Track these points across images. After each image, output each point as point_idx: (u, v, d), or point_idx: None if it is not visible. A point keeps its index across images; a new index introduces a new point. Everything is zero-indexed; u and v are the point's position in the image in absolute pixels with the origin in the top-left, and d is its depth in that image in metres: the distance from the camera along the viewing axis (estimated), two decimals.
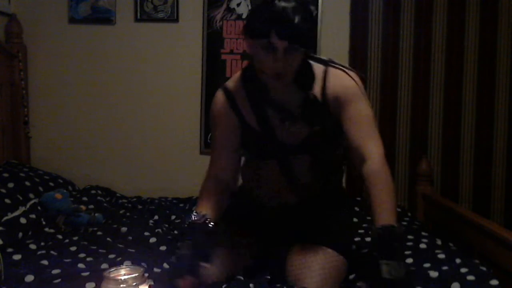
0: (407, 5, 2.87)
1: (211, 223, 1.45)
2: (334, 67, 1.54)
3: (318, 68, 1.53)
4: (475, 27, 2.88)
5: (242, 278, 1.51)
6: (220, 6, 2.85)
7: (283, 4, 1.35)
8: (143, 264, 1.61)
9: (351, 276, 1.57)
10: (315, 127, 1.53)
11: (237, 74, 1.62)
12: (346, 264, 1.57)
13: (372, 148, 1.47)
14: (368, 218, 2.31)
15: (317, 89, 1.51)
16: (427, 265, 1.62)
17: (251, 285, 1.43)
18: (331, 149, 1.61)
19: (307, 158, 1.57)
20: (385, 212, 1.38)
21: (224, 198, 1.58)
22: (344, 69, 1.54)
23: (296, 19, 1.34)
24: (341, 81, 1.51)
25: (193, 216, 1.45)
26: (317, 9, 2.79)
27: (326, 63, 1.55)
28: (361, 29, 2.88)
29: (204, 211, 1.48)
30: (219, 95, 1.60)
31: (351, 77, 1.52)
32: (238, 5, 2.84)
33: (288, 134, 1.54)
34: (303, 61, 1.47)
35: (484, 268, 1.57)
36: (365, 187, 1.46)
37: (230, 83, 1.61)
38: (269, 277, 1.56)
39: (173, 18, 2.87)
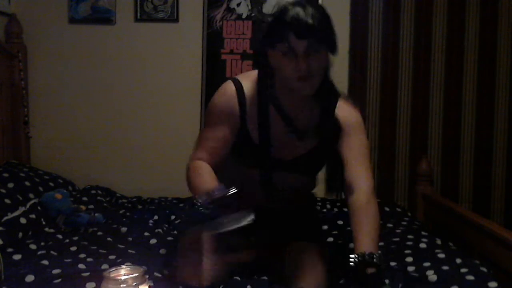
0: (407, 5, 2.87)
1: (233, 190, 1.40)
2: (343, 97, 1.61)
3: (335, 90, 1.59)
4: (475, 27, 2.88)
5: (239, 278, 1.51)
6: (220, 6, 2.85)
7: (296, 8, 1.38)
8: (143, 267, 1.60)
9: (341, 281, 1.56)
10: (321, 145, 1.57)
11: (252, 74, 1.59)
12: (328, 252, 1.64)
13: (362, 180, 1.51)
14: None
15: (330, 112, 1.56)
16: (426, 264, 1.62)
17: (248, 286, 1.43)
18: (317, 169, 1.68)
19: (292, 175, 1.61)
20: (364, 240, 1.38)
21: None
22: (351, 101, 1.61)
23: (312, 19, 1.36)
24: (348, 110, 1.58)
25: (215, 192, 1.39)
26: None
27: (337, 91, 1.61)
28: (361, 29, 2.88)
29: (217, 183, 1.44)
30: (229, 87, 1.55)
31: (355, 110, 1.60)
32: (238, 5, 2.84)
33: (285, 149, 1.56)
34: (326, 70, 1.48)
35: (484, 269, 1.57)
36: (349, 216, 1.49)
37: (245, 81, 1.56)
38: (266, 277, 1.56)
39: (173, 18, 2.87)
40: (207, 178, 1.50)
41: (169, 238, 2.00)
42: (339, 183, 1.61)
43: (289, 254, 1.56)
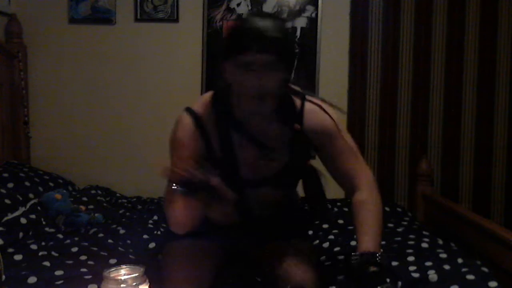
0: (407, 5, 2.87)
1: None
2: (310, 101, 1.50)
3: (295, 101, 1.50)
4: (475, 27, 2.88)
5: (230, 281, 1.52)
6: (220, 6, 2.85)
7: (257, 20, 1.32)
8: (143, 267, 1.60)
9: (340, 277, 1.56)
10: (294, 161, 1.50)
11: (204, 99, 1.52)
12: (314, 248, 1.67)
13: (360, 178, 1.50)
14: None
15: (295, 123, 1.48)
16: (428, 263, 1.62)
17: None
18: (294, 184, 1.64)
19: (268, 192, 1.55)
20: (367, 239, 1.38)
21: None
22: (320, 103, 1.51)
23: (273, 33, 1.30)
24: (318, 117, 1.49)
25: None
26: (317, 9, 2.80)
27: (303, 96, 1.51)
28: (361, 29, 2.88)
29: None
30: (186, 120, 1.49)
31: (327, 113, 1.49)
32: (238, 5, 2.84)
33: (253, 168, 1.49)
34: (284, 87, 1.41)
35: (485, 269, 1.57)
36: (352, 216, 1.48)
37: (197, 107, 1.50)
38: (259, 279, 1.56)
39: (173, 18, 2.87)
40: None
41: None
42: (321, 206, 1.61)
43: (276, 254, 1.53)
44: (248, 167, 1.49)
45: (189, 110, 1.51)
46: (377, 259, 1.33)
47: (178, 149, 1.49)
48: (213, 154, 1.48)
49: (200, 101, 1.53)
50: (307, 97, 1.52)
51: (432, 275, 1.54)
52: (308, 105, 1.50)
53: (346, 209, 2.46)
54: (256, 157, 1.48)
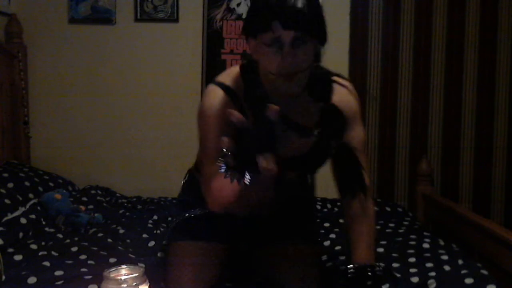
0: (407, 5, 2.88)
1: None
2: (338, 82, 1.42)
3: (324, 79, 1.41)
4: (475, 27, 2.88)
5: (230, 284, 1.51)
6: (220, 6, 2.85)
7: None
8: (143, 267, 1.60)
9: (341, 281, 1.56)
10: (328, 140, 1.37)
11: (232, 72, 1.40)
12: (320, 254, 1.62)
13: (362, 182, 1.42)
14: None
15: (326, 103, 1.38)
16: (429, 265, 1.62)
17: None
18: (320, 165, 1.49)
19: (297, 174, 1.48)
20: (363, 251, 1.35)
21: None
22: (347, 84, 1.44)
23: (300, 5, 1.16)
24: (346, 98, 1.41)
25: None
26: None
27: (332, 75, 1.43)
28: (361, 29, 2.88)
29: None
30: (217, 92, 1.35)
31: (353, 95, 1.43)
32: (238, 5, 2.84)
33: (286, 147, 1.37)
34: (315, 62, 1.30)
35: (485, 272, 1.57)
36: (345, 220, 1.44)
37: (226, 80, 1.37)
38: (260, 280, 1.56)
39: (173, 18, 2.87)
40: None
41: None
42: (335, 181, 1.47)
43: (280, 256, 1.52)
44: (279, 144, 1.38)
45: (217, 82, 1.37)
46: (375, 271, 1.32)
47: (210, 120, 1.32)
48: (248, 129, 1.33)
49: (228, 74, 1.39)
50: (336, 77, 1.43)
51: (431, 282, 1.54)
52: (337, 85, 1.41)
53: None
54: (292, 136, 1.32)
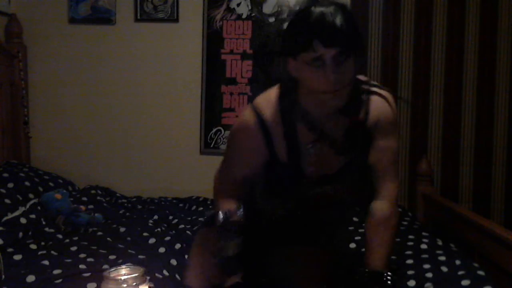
0: (407, 5, 2.87)
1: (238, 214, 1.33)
2: (376, 93, 1.43)
3: (362, 92, 1.42)
4: (475, 27, 2.88)
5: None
6: (220, 6, 2.85)
7: (320, 9, 1.20)
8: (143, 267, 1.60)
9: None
10: (357, 157, 1.41)
11: (270, 94, 1.41)
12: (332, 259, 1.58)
13: (389, 189, 1.43)
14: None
15: (361, 116, 1.40)
16: (426, 266, 1.62)
17: None
18: (358, 182, 1.50)
19: (332, 192, 1.47)
20: (377, 257, 1.36)
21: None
22: (386, 95, 1.44)
23: (338, 22, 1.19)
24: (384, 109, 1.42)
25: (220, 216, 1.32)
26: None
27: (368, 85, 1.44)
28: (361, 29, 2.88)
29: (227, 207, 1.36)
30: (249, 115, 1.39)
31: (391, 106, 1.43)
32: (238, 5, 2.84)
33: (320, 166, 1.40)
34: (355, 78, 1.33)
35: (481, 273, 1.56)
36: (366, 223, 1.45)
37: (263, 103, 1.39)
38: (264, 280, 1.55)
39: (173, 18, 2.87)
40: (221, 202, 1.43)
41: (167, 238, 2.00)
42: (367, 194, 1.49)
43: (293, 257, 1.51)
44: (315, 165, 1.40)
45: (252, 105, 1.41)
46: (385, 279, 1.32)
47: (239, 145, 1.42)
48: (276, 156, 1.39)
49: (266, 96, 1.42)
50: (374, 88, 1.43)
51: (429, 285, 1.53)
52: (375, 97, 1.42)
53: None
54: (328, 153, 1.39)
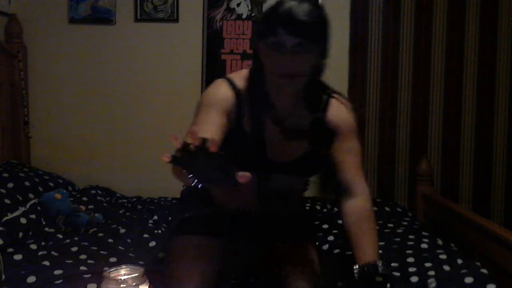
0: (407, 5, 2.87)
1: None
2: (337, 99, 1.57)
3: (323, 94, 1.56)
4: (475, 27, 2.88)
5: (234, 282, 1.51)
6: (220, 6, 2.85)
7: (291, 3, 1.34)
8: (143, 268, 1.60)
9: (340, 284, 1.56)
10: (315, 148, 1.52)
11: (242, 73, 1.54)
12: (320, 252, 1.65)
13: (361, 185, 1.51)
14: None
15: (320, 114, 1.53)
16: (428, 264, 1.62)
17: None
18: (313, 173, 1.64)
19: (286, 178, 1.56)
20: (369, 249, 1.40)
21: None
22: (346, 103, 1.58)
23: (304, 16, 1.32)
24: (343, 113, 1.55)
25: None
26: None
27: (331, 91, 1.58)
28: (361, 29, 2.88)
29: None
30: (224, 86, 1.48)
31: (350, 113, 1.57)
32: (238, 5, 2.84)
33: (278, 151, 1.51)
34: (315, 73, 1.44)
35: (484, 271, 1.57)
36: (346, 222, 1.49)
37: (236, 79, 1.51)
38: (264, 280, 1.56)
39: (173, 18, 2.87)
40: None
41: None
42: (333, 185, 1.57)
43: (283, 255, 1.54)
44: (274, 148, 1.50)
45: (225, 77, 1.52)
46: (379, 270, 1.35)
47: (209, 108, 1.44)
48: (243, 129, 1.48)
49: (237, 73, 1.55)
50: (335, 94, 1.58)
51: (431, 280, 1.54)
52: (334, 101, 1.56)
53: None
54: (284, 139, 1.49)
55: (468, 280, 1.50)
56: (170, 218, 2.30)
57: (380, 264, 1.36)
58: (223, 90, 1.47)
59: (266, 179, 1.53)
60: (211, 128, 1.36)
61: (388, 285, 1.37)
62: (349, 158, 1.52)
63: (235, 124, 1.47)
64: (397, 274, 1.61)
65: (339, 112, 1.55)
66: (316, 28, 1.36)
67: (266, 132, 1.50)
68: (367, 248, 1.40)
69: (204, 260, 1.47)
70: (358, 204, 1.48)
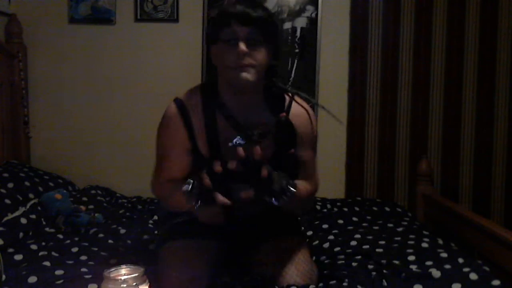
0: (407, 5, 2.87)
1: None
2: (298, 102, 1.57)
3: (285, 97, 1.57)
4: (475, 27, 2.88)
5: (228, 280, 1.51)
6: (220, 6, 2.85)
7: (241, 1, 1.43)
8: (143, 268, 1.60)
9: (332, 282, 1.56)
10: (279, 152, 1.52)
11: (194, 88, 1.59)
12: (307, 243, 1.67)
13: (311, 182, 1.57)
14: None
15: (282, 114, 1.53)
16: (429, 263, 1.62)
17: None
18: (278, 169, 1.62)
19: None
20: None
21: None
22: (307, 108, 1.58)
23: (253, 9, 1.40)
24: (302, 117, 1.56)
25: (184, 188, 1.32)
26: (317, 9, 2.80)
27: (293, 95, 1.58)
28: (361, 29, 2.88)
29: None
30: (172, 109, 1.55)
31: (310, 117, 1.57)
32: None
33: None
34: (270, 71, 1.48)
35: (486, 268, 1.57)
36: None
37: (185, 96, 1.56)
38: (259, 278, 1.56)
39: (173, 18, 2.87)
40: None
41: None
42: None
43: (274, 250, 1.54)
44: (232, 155, 1.46)
45: (175, 99, 1.57)
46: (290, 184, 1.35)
47: (162, 142, 1.56)
48: (196, 144, 1.51)
49: (189, 90, 1.60)
50: (297, 98, 1.59)
51: (435, 272, 1.54)
52: (295, 105, 1.57)
53: (345, 209, 2.46)
54: (247, 143, 1.46)
55: (473, 276, 1.50)
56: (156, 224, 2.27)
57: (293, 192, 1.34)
58: (171, 117, 1.53)
59: (237, 189, 1.47)
60: (180, 168, 1.51)
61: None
62: (305, 165, 1.55)
63: (192, 146, 1.52)
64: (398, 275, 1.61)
65: (298, 116, 1.55)
66: (265, 21, 1.42)
67: (222, 138, 1.49)
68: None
69: (195, 263, 1.48)
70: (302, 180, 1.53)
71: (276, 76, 1.55)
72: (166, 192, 1.56)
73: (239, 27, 1.40)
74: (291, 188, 1.31)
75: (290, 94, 1.58)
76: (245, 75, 1.41)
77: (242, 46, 1.39)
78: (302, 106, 1.58)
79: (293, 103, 1.57)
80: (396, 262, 1.66)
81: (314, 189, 1.60)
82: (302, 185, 1.48)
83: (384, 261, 1.66)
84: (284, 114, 1.53)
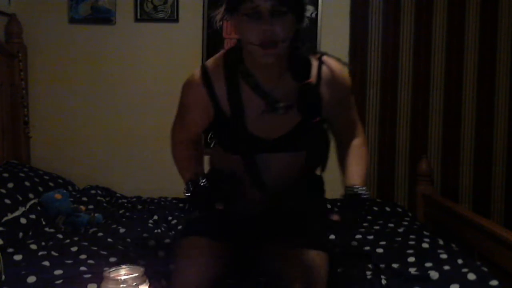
0: (407, 5, 2.87)
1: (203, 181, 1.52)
2: (325, 61, 1.51)
3: (313, 58, 1.49)
4: (475, 27, 2.88)
5: (232, 281, 1.51)
6: (220, 6, 2.84)
7: None
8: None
9: (340, 269, 1.56)
10: (306, 118, 1.46)
11: (219, 54, 1.54)
12: (327, 258, 1.52)
13: (358, 132, 1.60)
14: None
15: (313, 78, 1.46)
16: (428, 264, 1.62)
17: None
18: (311, 145, 1.55)
19: (282, 158, 1.51)
20: (355, 174, 1.51)
21: (202, 156, 1.68)
22: (337, 64, 1.53)
23: None
24: (337, 69, 1.51)
25: (190, 186, 1.52)
26: (317, 9, 2.79)
27: (321, 54, 1.53)
28: (361, 29, 2.88)
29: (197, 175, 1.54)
30: (196, 73, 1.53)
31: (343, 72, 1.55)
32: None
33: (265, 128, 1.46)
34: (295, 39, 1.40)
35: (485, 269, 1.57)
36: (340, 152, 1.60)
37: (210, 62, 1.53)
38: (262, 279, 1.56)
39: (173, 18, 2.87)
40: (187, 165, 1.62)
41: (168, 240, 1.99)
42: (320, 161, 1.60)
43: (285, 254, 1.48)
44: (257, 122, 1.46)
45: (201, 65, 1.56)
46: (364, 191, 1.45)
47: (184, 103, 1.58)
48: (221, 111, 1.48)
49: (214, 56, 1.57)
50: (326, 58, 1.52)
51: (433, 273, 1.54)
52: (327, 58, 1.51)
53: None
54: (264, 111, 1.44)
55: (471, 277, 1.51)
56: (170, 218, 2.30)
57: (364, 188, 1.45)
58: (195, 89, 1.52)
59: (261, 160, 1.49)
60: (193, 128, 1.59)
61: (367, 203, 1.50)
62: (348, 114, 1.58)
63: (215, 110, 1.49)
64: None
65: (333, 69, 1.50)
66: None
67: (246, 106, 1.45)
68: (354, 174, 1.50)
69: (208, 259, 1.46)
70: (356, 143, 1.58)
71: (301, 41, 1.46)
72: (177, 155, 1.66)
73: (262, 1, 1.29)
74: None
75: (318, 57, 1.49)
76: (269, 52, 1.33)
77: (266, 23, 1.29)
78: (334, 66, 1.50)
79: (323, 66, 1.49)
80: (395, 265, 1.66)
81: (366, 142, 1.64)
82: (357, 173, 1.52)
83: (383, 266, 1.66)
84: (311, 80, 1.44)
